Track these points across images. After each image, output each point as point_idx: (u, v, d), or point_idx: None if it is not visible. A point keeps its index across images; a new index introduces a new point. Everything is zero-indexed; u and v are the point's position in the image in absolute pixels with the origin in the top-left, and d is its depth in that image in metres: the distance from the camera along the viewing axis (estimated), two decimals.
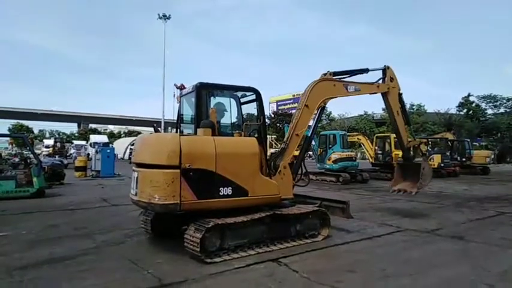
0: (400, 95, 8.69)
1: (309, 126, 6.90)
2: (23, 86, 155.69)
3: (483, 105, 53.86)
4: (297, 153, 6.56)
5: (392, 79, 8.41)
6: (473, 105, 53.23)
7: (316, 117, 7.03)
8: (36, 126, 76.30)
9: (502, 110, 53.41)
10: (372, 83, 8.11)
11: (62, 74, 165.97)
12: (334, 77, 7.20)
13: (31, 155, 11.85)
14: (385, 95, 8.41)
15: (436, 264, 4.78)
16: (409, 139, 8.97)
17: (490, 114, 53.90)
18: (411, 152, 9.12)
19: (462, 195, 12.57)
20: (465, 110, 53.39)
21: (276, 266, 4.58)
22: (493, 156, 32.27)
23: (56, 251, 5.12)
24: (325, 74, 7.13)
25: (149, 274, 4.21)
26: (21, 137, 14.28)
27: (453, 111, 53.97)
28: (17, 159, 11.87)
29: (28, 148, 12.82)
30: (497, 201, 11.09)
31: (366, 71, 7.92)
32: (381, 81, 8.32)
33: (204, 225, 4.61)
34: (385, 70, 8.34)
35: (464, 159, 23.61)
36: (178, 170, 4.60)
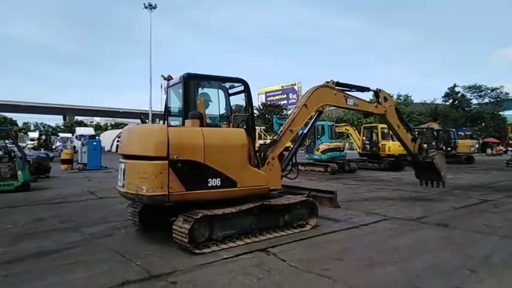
0: (396, 108, 8.99)
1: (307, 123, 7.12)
2: (7, 78, 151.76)
3: (468, 96, 54.65)
4: (289, 144, 6.68)
5: (386, 98, 8.66)
6: (459, 95, 53.94)
7: (314, 119, 7.30)
8: (20, 118, 74.82)
9: (486, 99, 54.24)
10: (370, 103, 8.41)
11: (47, 65, 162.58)
12: (336, 87, 7.43)
13: (15, 148, 11.59)
14: (383, 116, 8.70)
15: (422, 251, 4.89)
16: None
17: (475, 104, 54.68)
18: (420, 153, 9.81)
19: (447, 184, 12.81)
20: (451, 100, 54.07)
21: (264, 255, 4.62)
22: (477, 146, 32.93)
23: (43, 245, 5.05)
24: (328, 82, 7.38)
25: (137, 266, 4.20)
26: (4, 129, 13.90)
27: (439, 101, 54.64)
28: (0, 152, 11.55)
29: (12, 141, 12.53)
30: (481, 190, 11.36)
31: (367, 89, 8.32)
32: (376, 103, 8.59)
33: (192, 216, 4.60)
34: (377, 92, 8.58)
35: (449, 149, 24.03)
36: (166, 161, 4.56)
